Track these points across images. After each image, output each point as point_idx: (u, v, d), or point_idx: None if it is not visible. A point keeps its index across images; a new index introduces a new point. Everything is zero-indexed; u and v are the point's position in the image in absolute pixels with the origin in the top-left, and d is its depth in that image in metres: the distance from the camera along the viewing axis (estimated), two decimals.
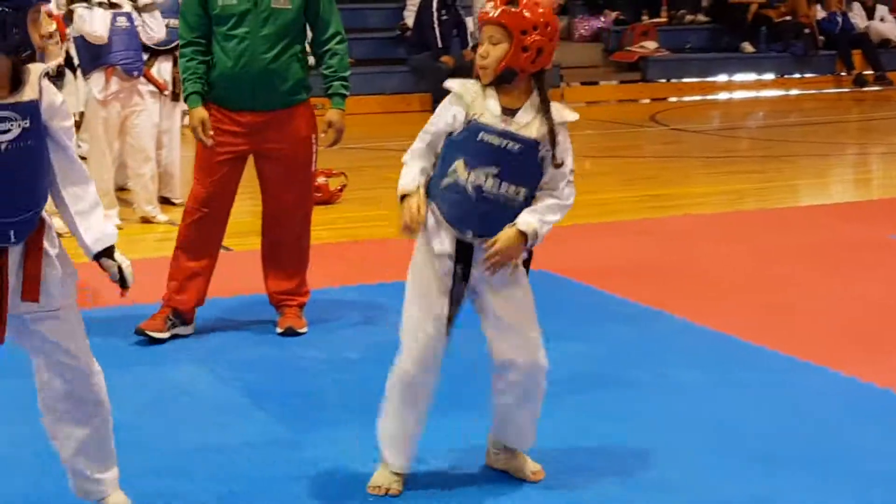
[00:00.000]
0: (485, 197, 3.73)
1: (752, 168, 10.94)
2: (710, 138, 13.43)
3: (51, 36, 7.68)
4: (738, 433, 4.40)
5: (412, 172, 3.82)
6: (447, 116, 3.80)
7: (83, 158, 9.71)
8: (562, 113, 3.76)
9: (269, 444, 4.31)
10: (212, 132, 5.43)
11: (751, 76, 17.13)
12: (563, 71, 15.69)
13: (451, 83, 3.83)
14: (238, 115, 5.45)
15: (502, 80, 3.71)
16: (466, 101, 3.76)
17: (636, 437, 4.38)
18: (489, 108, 3.73)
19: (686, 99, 16.35)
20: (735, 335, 5.60)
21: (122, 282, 3.50)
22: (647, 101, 16.07)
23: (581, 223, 8.35)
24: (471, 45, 14.71)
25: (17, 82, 3.29)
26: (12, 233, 3.33)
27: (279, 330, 5.64)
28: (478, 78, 3.78)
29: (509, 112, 3.73)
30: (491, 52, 3.70)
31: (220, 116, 5.46)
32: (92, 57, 7.90)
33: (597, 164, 11.43)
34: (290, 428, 4.47)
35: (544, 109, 3.72)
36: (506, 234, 3.72)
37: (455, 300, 3.83)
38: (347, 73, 5.57)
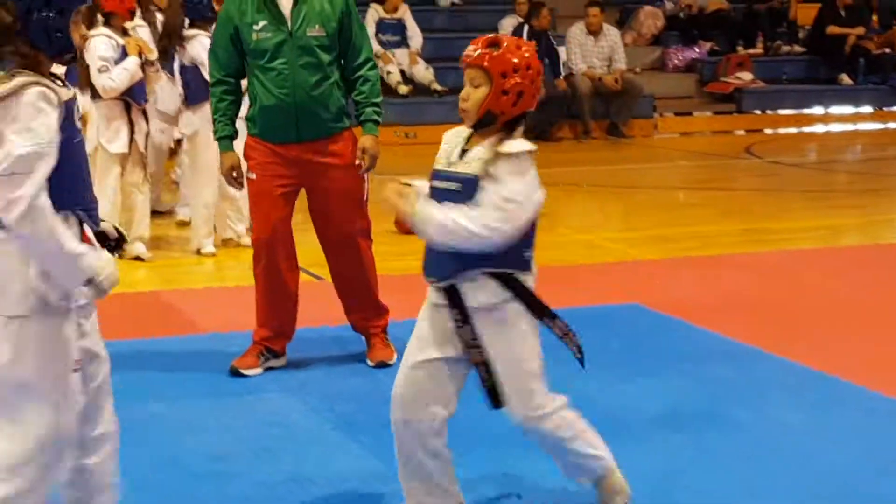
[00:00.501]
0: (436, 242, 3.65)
1: (851, 202, 10.73)
2: (807, 171, 13.22)
3: (151, 63, 7.77)
4: (840, 477, 4.28)
5: None
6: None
7: (175, 183, 9.88)
8: (511, 144, 3.61)
9: (362, 476, 4.29)
10: (253, 175, 5.43)
11: (848, 108, 16.86)
12: (657, 101, 15.58)
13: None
14: (283, 148, 5.39)
15: (484, 124, 3.65)
16: (445, 150, 3.73)
17: (734, 479, 4.28)
18: (454, 154, 3.68)
19: (782, 131, 16.12)
20: (836, 375, 5.47)
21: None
22: (742, 132, 15.88)
23: (676, 256, 8.25)
24: (563, 74, 14.65)
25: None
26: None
27: (370, 363, 5.63)
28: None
29: (464, 154, 3.66)
30: (472, 95, 3.64)
31: (266, 151, 5.41)
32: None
33: (690, 196, 11.31)
34: (383, 460, 4.43)
35: (497, 143, 3.62)
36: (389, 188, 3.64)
37: (466, 343, 3.72)
38: (379, 100, 5.52)
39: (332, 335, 6.15)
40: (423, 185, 3.74)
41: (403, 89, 14.23)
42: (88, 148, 7.63)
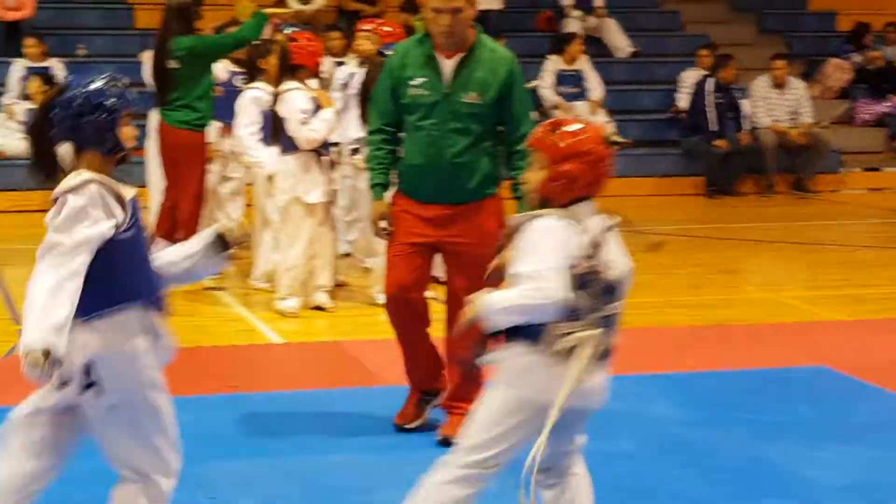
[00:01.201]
0: None
1: None
2: None
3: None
4: None
5: None
6: None
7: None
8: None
9: None
10: (390, 226, 5.37)
11: None
12: (844, 156, 15.20)
13: None
14: (425, 208, 5.32)
15: (542, 206, 3.63)
16: None
17: None
18: None
19: None
20: None
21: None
22: None
23: (865, 318, 8.01)
24: (746, 129, 14.42)
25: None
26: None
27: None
28: None
29: None
30: (531, 178, 3.66)
31: (409, 206, 5.35)
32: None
33: (879, 254, 10.97)
34: None
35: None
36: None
37: None
38: None
39: None
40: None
41: None
42: (281, 201, 7.80)
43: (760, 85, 14.70)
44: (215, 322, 7.93)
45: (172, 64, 8.61)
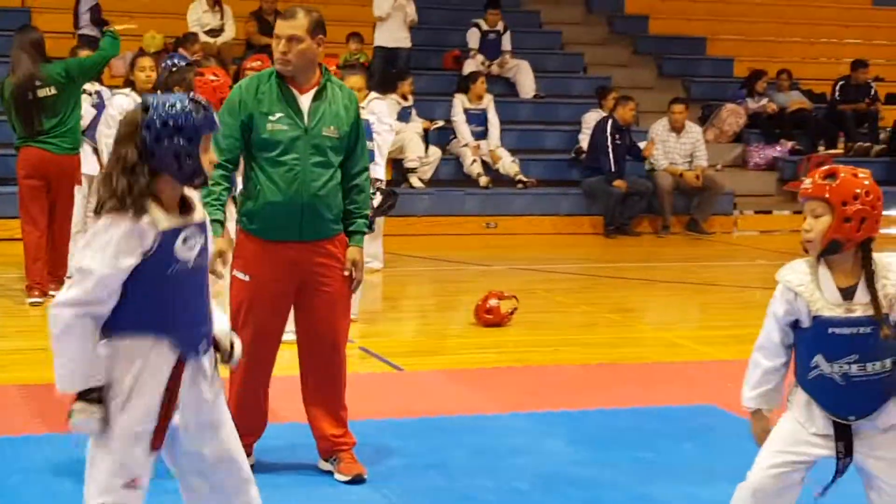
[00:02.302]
0: (855, 382, 3.88)
1: None
2: None
3: None
4: None
5: (760, 384, 4.04)
6: (786, 308, 3.95)
7: None
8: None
9: None
10: (245, 276, 5.23)
11: None
12: (737, 199, 15.64)
13: (783, 275, 3.95)
14: (282, 246, 5.21)
15: (829, 252, 3.85)
16: (804, 297, 3.88)
17: None
18: (827, 298, 3.86)
19: None
20: None
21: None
22: None
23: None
24: (647, 169, 14.80)
25: (184, 205, 3.61)
26: (204, 341, 3.70)
27: (344, 478, 5.38)
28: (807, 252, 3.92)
29: (848, 294, 3.86)
30: (815, 226, 3.84)
31: (261, 249, 5.22)
32: None
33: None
34: None
35: (877, 278, 3.85)
36: None
37: (839, 472, 3.98)
38: (368, 212, 5.44)
39: (410, 427, 6.25)
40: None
41: (484, 180, 14.45)
42: None
43: (658, 128, 15.08)
44: None
45: (48, 91, 8.72)
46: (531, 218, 14.13)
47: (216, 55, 14.11)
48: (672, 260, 13.20)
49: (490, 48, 16.25)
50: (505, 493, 5.28)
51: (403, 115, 13.97)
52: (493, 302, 8.99)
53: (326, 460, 5.51)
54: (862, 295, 3.85)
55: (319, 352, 5.40)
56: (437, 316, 9.94)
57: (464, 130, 14.66)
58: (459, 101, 14.78)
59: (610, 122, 14.54)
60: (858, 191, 3.81)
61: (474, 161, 14.52)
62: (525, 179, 14.60)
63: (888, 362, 3.89)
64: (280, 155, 5.17)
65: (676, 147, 15.01)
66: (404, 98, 14.24)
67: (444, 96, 15.15)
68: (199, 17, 14.87)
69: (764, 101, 17.02)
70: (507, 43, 16.31)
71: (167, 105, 3.48)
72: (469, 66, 15.89)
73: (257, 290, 5.23)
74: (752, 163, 16.63)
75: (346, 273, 5.34)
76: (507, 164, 14.68)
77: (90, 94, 9.85)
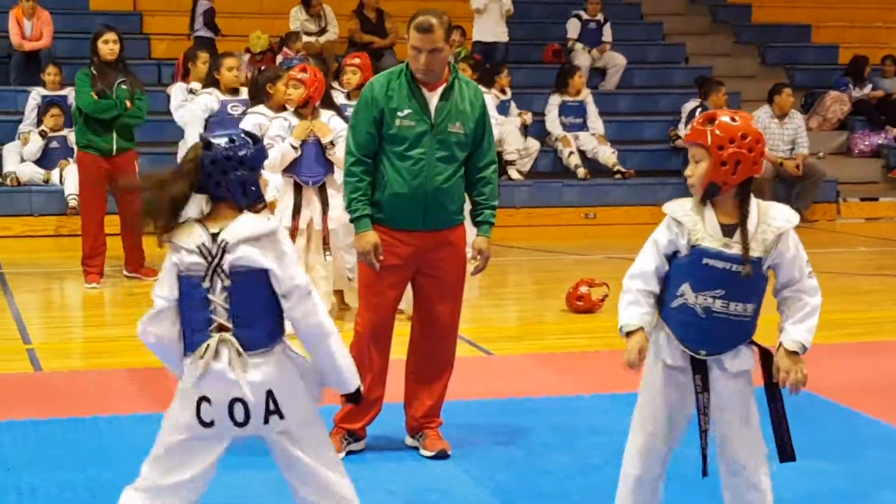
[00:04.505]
0: (715, 317, 3.92)
1: None
2: None
3: (326, 147, 8.14)
4: None
5: (637, 307, 4.04)
6: (669, 238, 4.02)
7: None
8: (781, 219, 3.96)
9: None
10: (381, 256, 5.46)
11: None
12: (841, 187, 15.48)
13: (669, 207, 4.06)
14: (406, 235, 5.48)
15: (709, 195, 3.93)
16: (687, 226, 3.96)
17: None
18: (708, 230, 3.93)
19: None
20: None
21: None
22: None
23: (847, 341, 8.27)
24: None
25: None
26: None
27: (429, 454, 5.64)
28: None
29: (728, 230, 3.93)
30: (695, 171, 3.95)
31: (388, 239, 5.47)
32: None
33: (869, 282, 11.23)
34: None
35: (759, 220, 3.93)
36: (784, 362, 3.97)
37: (701, 411, 4.04)
38: (497, 203, 5.63)
39: (495, 407, 6.42)
40: None
41: (582, 172, 14.51)
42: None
43: (761, 115, 14.97)
44: None
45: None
46: (629, 208, 14.14)
47: (318, 54, 14.38)
48: None
49: (590, 38, 16.32)
50: (580, 468, 5.43)
51: (502, 109, 14.10)
52: (583, 289, 9.11)
53: (413, 437, 5.74)
54: (742, 233, 3.92)
55: (430, 335, 5.65)
56: (531, 304, 10.06)
57: (554, 126, 14.74)
58: (555, 98, 14.84)
59: (699, 110, 14.49)
60: (734, 135, 3.89)
61: (571, 153, 14.60)
62: (623, 170, 14.63)
63: (750, 308, 3.95)
64: (407, 149, 5.41)
65: (779, 134, 14.89)
66: (502, 91, 14.37)
67: (544, 90, 15.24)
68: (300, 24, 15.19)
69: (868, 87, 16.82)
70: (607, 34, 16.35)
71: (228, 140, 3.79)
72: (575, 59, 15.95)
73: (381, 276, 5.48)
74: (856, 150, 16.45)
75: (471, 259, 5.62)
76: (606, 154, 14.71)
77: (193, 92, 10.18)
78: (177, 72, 11.88)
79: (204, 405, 3.75)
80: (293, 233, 7.91)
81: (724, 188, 3.91)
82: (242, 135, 3.83)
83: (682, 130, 15.14)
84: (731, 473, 4.12)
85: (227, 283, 3.70)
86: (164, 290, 3.79)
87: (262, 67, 8.85)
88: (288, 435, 3.85)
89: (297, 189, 8.00)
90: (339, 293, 8.88)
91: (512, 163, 14.20)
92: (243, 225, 3.73)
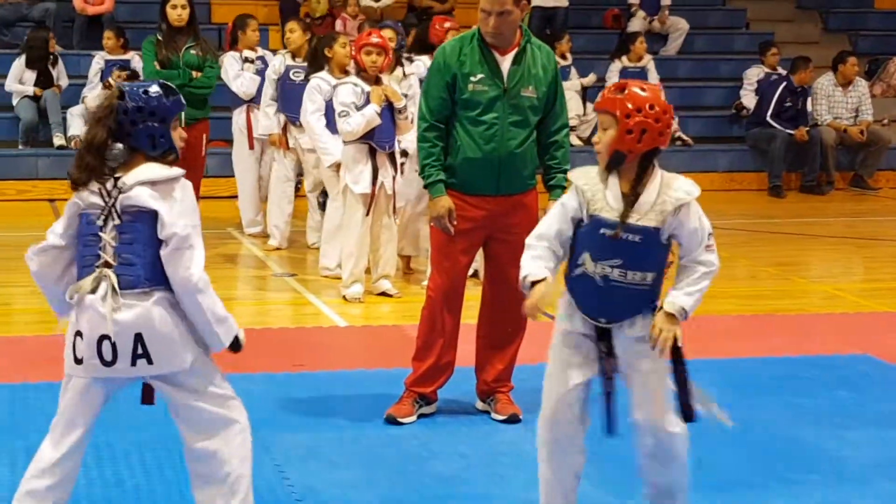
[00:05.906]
0: (613, 286, 3.97)
1: None
2: None
3: (400, 112, 8.13)
4: None
5: (541, 260, 4.09)
6: (574, 204, 4.05)
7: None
8: (681, 191, 3.94)
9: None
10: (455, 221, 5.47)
11: None
12: None
13: (574, 174, 4.08)
14: (479, 200, 5.48)
15: (614, 163, 3.94)
16: (587, 195, 3.98)
17: None
18: (608, 200, 3.96)
19: None
20: None
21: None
22: None
23: None
24: (810, 124, 14.52)
25: None
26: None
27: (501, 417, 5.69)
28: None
29: (630, 200, 3.93)
30: (602, 138, 3.96)
31: (461, 203, 5.48)
32: None
33: None
34: (609, 491, 4.71)
35: (660, 191, 3.93)
36: (659, 320, 3.96)
37: (606, 374, 4.10)
38: (569, 167, 5.53)
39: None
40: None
41: None
42: (338, 189, 8.22)
43: (824, 83, 14.80)
44: (284, 306, 8.32)
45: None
46: (689, 174, 13.96)
47: (379, 18, 14.36)
48: (835, 215, 13.01)
49: (650, 3, 16.18)
50: None
51: (562, 75, 14.00)
52: None
53: (484, 401, 5.75)
54: (643, 204, 3.92)
55: (502, 299, 5.63)
56: None
57: None
58: (616, 64, 14.74)
59: (783, 84, 14.30)
60: (642, 104, 3.89)
61: None
62: (684, 137, 14.52)
63: (649, 276, 3.95)
64: (480, 114, 5.41)
65: (842, 102, 14.72)
66: (563, 57, 14.29)
67: (604, 55, 15.14)
68: None
69: None
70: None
71: (140, 90, 3.87)
72: (633, 24, 15.84)
73: (454, 240, 5.51)
74: None
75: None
76: None
77: (252, 62, 10.21)
78: (226, 40, 11.86)
79: (77, 340, 3.84)
80: (371, 197, 7.96)
81: (630, 157, 3.93)
82: (156, 86, 3.90)
83: (745, 99, 15.03)
84: (645, 431, 4.16)
85: (118, 221, 3.80)
86: (58, 227, 3.93)
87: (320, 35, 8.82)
88: (167, 381, 3.89)
89: (372, 154, 8.00)
90: (405, 258, 8.91)
91: (572, 128, 14.13)
92: (145, 169, 3.83)
